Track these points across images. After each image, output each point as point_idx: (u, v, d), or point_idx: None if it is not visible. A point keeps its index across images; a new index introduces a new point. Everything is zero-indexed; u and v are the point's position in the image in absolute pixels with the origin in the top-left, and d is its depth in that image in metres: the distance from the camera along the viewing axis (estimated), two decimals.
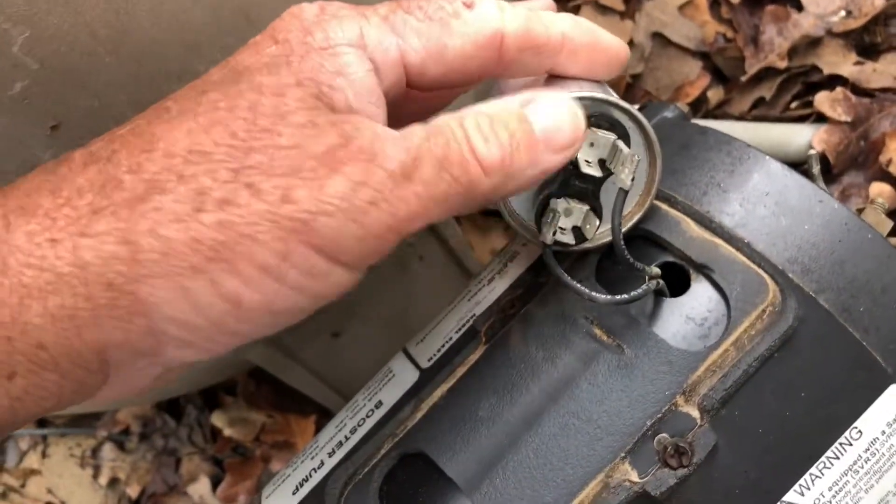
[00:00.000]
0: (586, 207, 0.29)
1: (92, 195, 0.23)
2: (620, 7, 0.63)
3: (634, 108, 0.29)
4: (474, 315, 0.33)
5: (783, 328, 0.28)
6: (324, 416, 0.67)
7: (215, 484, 0.69)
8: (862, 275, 0.29)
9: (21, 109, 0.30)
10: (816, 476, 0.28)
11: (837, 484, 0.28)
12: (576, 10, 0.64)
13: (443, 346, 0.34)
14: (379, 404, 0.34)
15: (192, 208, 0.22)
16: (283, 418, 0.69)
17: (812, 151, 0.52)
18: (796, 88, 0.59)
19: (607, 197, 0.30)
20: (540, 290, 0.32)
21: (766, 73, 0.59)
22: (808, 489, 0.27)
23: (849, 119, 0.55)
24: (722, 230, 0.30)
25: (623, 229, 0.29)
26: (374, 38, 0.25)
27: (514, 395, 0.29)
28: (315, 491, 0.33)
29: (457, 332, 0.34)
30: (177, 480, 0.71)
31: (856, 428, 0.28)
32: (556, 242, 0.30)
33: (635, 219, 0.30)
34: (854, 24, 0.57)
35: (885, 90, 0.56)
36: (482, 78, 0.28)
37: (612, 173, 0.28)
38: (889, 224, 0.35)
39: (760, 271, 0.29)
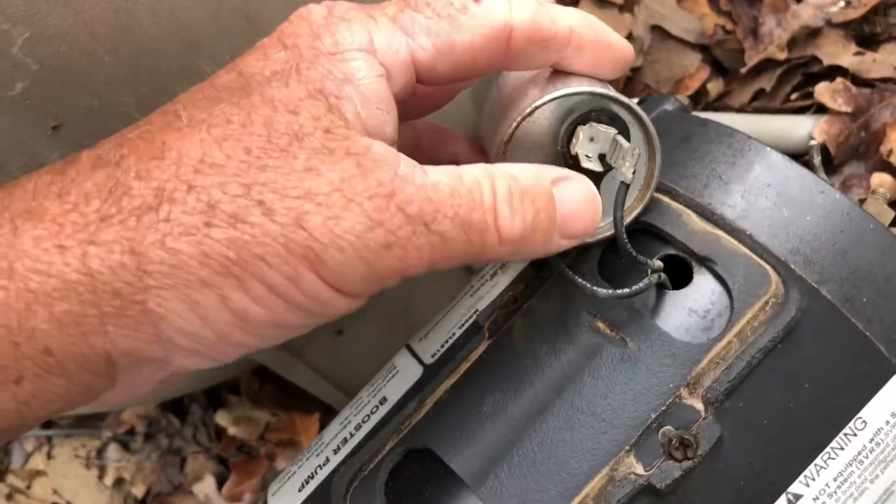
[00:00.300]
0: None
1: (99, 201, 0.22)
2: (619, 0, 0.63)
3: (633, 103, 0.29)
4: (477, 310, 0.33)
5: (786, 319, 0.28)
6: (328, 413, 0.67)
7: (220, 483, 0.69)
8: (864, 265, 0.29)
9: (22, 110, 0.30)
10: (821, 467, 0.28)
11: (842, 474, 0.28)
12: (574, 4, 0.63)
13: (446, 341, 0.34)
14: (383, 401, 0.34)
15: (202, 221, 0.22)
16: (288, 416, 0.69)
17: (813, 142, 0.52)
18: (796, 80, 0.59)
19: (607, 192, 0.30)
20: (542, 284, 0.32)
21: (766, 65, 0.59)
22: (813, 480, 0.27)
23: (849, 110, 0.55)
24: (724, 222, 0.30)
25: (624, 223, 0.29)
26: (383, 42, 0.25)
27: (518, 390, 0.29)
28: (321, 487, 0.33)
29: (460, 327, 0.34)
30: (182, 480, 0.71)
31: (860, 418, 0.28)
32: None
33: (635, 213, 0.30)
34: (853, 14, 0.57)
35: (885, 80, 0.56)
36: (488, 70, 0.28)
37: (612, 168, 0.29)
38: (891, 214, 0.35)
39: (763, 263, 0.29)
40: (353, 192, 0.23)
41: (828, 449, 0.28)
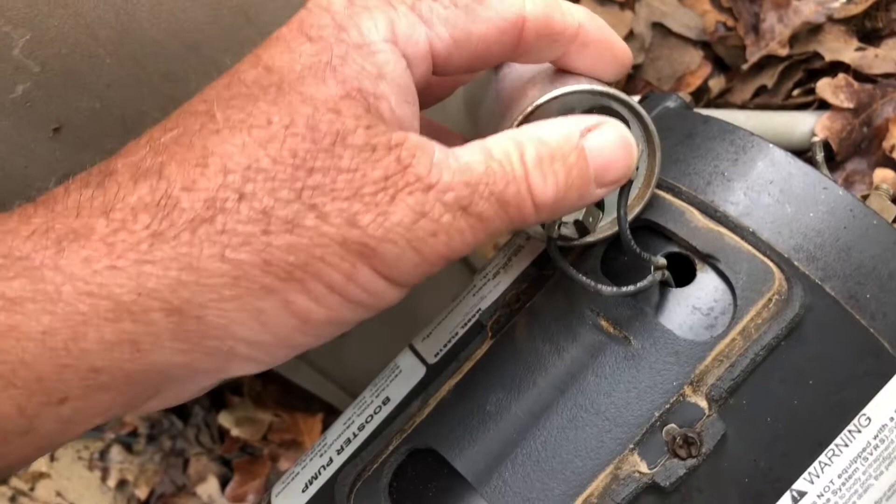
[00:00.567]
0: None
1: (149, 217, 0.22)
2: None
3: (634, 100, 0.29)
4: (480, 309, 0.33)
5: (790, 316, 0.28)
6: (331, 413, 0.67)
7: (224, 484, 0.70)
8: (868, 261, 0.29)
9: (23, 112, 0.30)
10: (826, 464, 0.28)
11: (847, 471, 0.28)
12: (575, 1, 0.63)
13: (449, 341, 0.34)
14: (386, 401, 0.34)
15: (259, 230, 0.22)
16: (291, 417, 0.69)
17: (815, 139, 0.52)
18: (798, 76, 0.59)
19: None
20: (545, 283, 0.32)
21: (768, 61, 0.59)
22: (818, 477, 0.27)
23: (851, 105, 0.55)
24: (727, 219, 0.30)
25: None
26: (404, 31, 0.25)
27: (521, 389, 0.29)
28: (325, 488, 0.33)
29: (463, 326, 0.34)
30: (185, 481, 0.71)
31: (864, 415, 0.28)
32: (560, 236, 0.30)
33: (636, 210, 0.30)
34: (855, 9, 0.57)
35: (887, 76, 0.56)
36: (498, 61, 0.28)
37: None
38: (894, 210, 0.35)
39: (766, 260, 0.29)
40: (396, 189, 0.23)
41: (832, 446, 0.28)
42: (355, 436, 0.33)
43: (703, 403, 0.27)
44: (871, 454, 0.28)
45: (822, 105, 0.57)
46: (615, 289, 0.28)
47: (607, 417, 0.28)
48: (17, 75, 0.29)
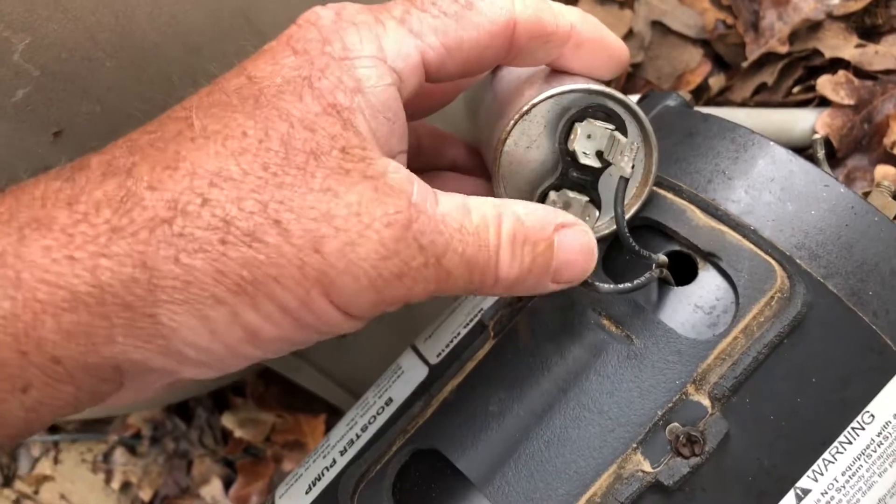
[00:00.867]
0: (585, 199, 0.30)
1: (110, 212, 0.22)
2: None
3: (630, 99, 0.29)
4: (482, 310, 0.33)
5: (792, 314, 0.28)
6: (333, 414, 0.67)
7: (227, 485, 0.70)
8: (870, 258, 0.29)
9: (24, 116, 0.30)
10: (829, 461, 0.28)
11: (850, 469, 0.28)
12: (574, 1, 0.63)
13: (451, 341, 0.34)
14: (389, 401, 0.34)
15: (217, 238, 0.22)
16: (293, 418, 0.69)
17: (816, 136, 0.52)
18: (798, 73, 0.59)
19: (606, 190, 0.30)
20: None
21: (768, 59, 0.59)
22: (822, 475, 0.27)
23: (852, 102, 0.55)
24: (728, 218, 0.30)
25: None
26: (393, 47, 0.25)
27: (524, 389, 0.29)
28: (328, 489, 0.33)
29: (465, 327, 0.34)
30: (189, 483, 0.71)
31: (868, 412, 0.28)
32: None
33: (634, 209, 0.30)
34: (855, 6, 0.57)
35: (887, 72, 0.56)
36: (492, 65, 0.28)
37: (609, 164, 0.29)
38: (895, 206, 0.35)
39: (768, 258, 0.29)
40: (371, 218, 0.23)
41: (836, 443, 0.28)
42: (358, 437, 0.33)
43: (706, 402, 0.27)
44: (875, 451, 0.28)
45: (823, 102, 0.56)
46: (613, 286, 0.28)
47: (610, 417, 0.28)
48: (17, 80, 0.29)
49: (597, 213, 0.30)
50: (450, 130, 0.36)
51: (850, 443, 0.28)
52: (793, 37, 0.58)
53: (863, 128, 0.55)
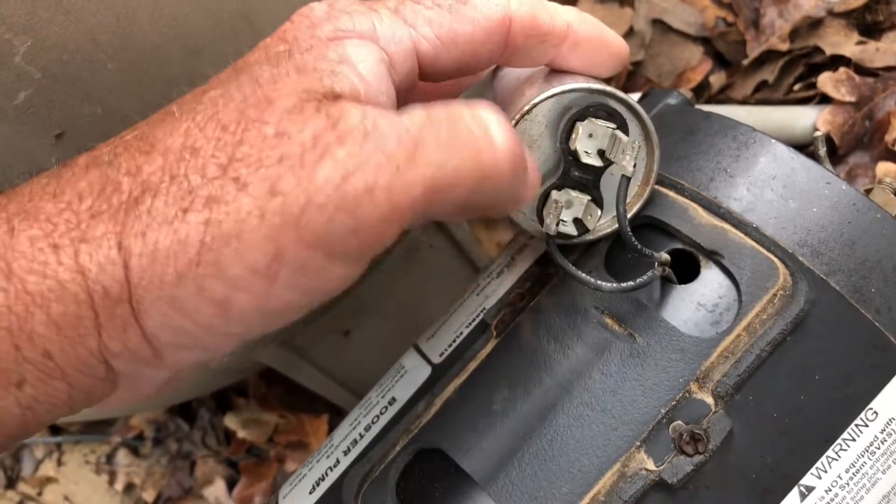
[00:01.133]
0: (587, 198, 0.30)
1: (92, 199, 0.22)
2: None
3: (630, 98, 0.29)
4: (484, 309, 0.33)
5: (795, 311, 0.28)
6: (336, 414, 0.68)
7: (231, 486, 0.70)
8: (872, 255, 0.29)
9: (25, 119, 0.30)
10: (833, 459, 0.28)
11: (854, 466, 0.28)
12: (573, 2, 0.63)
13: (454, 340, 0.34)
14: (392, 401, 0.34)
15: (179, 209, 0.21)
16: (296, 418, 0.69)
17: (817, 133, 0.52)
18: (799, 70, 0.59)
19: (607, 189, 0.30)
20: (549, 281, 0.32)
21: (768, 56, 0.59)
22: (825, 472, 0.27)
23: (853, 99, 0.55)
24: (730, 216, 0.30)
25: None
26: (387, 31, 0.25)
27: (527, 388, 0.29)
28: (332, 489, 0.33)
29: (467, 326, 0.34)
30: (192, 484, 0.71)
31: (871, 409, 0.28)
32: (559, 234, 0.30)
33: (636, 207, 0.30)
34: (855, 3, 0.57)
35: (888, 69, 0.56)
36: (488, 65, 0.28)
37: (611, 163, 0.29)
38: None
39: (770, 255, 0.29)
40: (325, 145, 0.21)
41: (839, 440, 0.28)
42: (361, 436, 0.33)
43: (710, 400, 0.27)
44: (879, 448, 0.28)
45: (824, 99, 0.56)
46: (615, 284, 0.28)
47: (613, 415, 0.28)
48: (18, 82, 0.29)
49: (599, 213, 0.30)
50: None
51: (854, 440, 0.28)
52: (793, 34, 0.58)
53: (864, 125, 0.55)
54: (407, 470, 0.31)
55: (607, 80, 0.30)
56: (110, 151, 0.23)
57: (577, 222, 0.30)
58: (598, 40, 0.28)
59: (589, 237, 0.30)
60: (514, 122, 0.28)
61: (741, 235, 0.29)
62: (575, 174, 0.29)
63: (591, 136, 0.28)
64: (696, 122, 0.33)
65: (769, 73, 0.59)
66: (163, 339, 0.23)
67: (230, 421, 0.70)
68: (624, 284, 0.28)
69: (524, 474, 0.28)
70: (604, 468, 0.27)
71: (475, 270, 0.55)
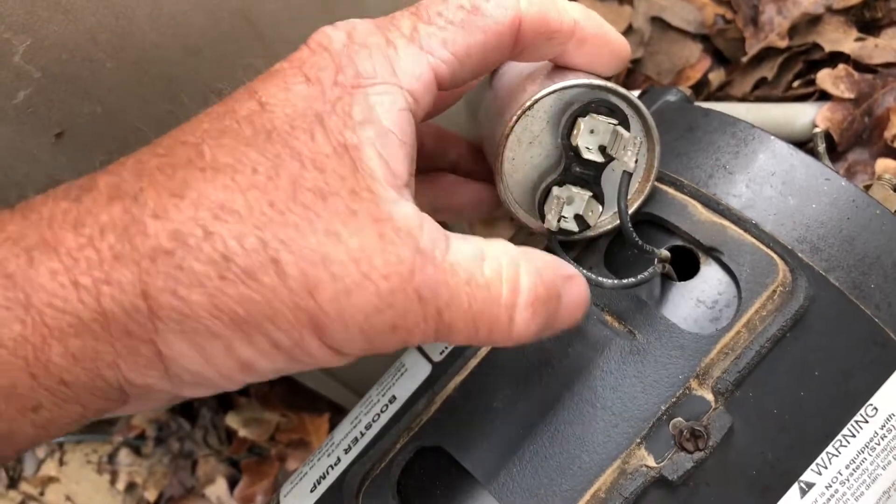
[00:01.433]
0: (588, 194, 0.30)
1: (115, 237, 0.22)
2: None
3: (632, 94, 0.29)
4: None
5: (794, 308, 0.28)
6: (337, 413, 0.68)
7: (232, 485, 0.70)
8: (872, 251, 0.29)
9: (25, 118, 0.30)
10: (833, 454, 0.28)
11: (854, 462, 0.28)
12: None
13: None
14: (393, 399, 0.34)
15: (215, 273, 0.22)
16: (297, 417, 0.69)
17: (816, 130, 0.52)
18: (798, 67, 0.59)
19: (608, 185, 0.30)
20: None
21: (767, 53, 0.59)
22: (826, 468, 0.27)
23: (852, 96, 0.55)
24: (729, 212, 0.30)
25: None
26: (406, 68, 0.25)
27: (527, 385, 0.29)
28: (333, 487, 0.33)
29: None
30: (194, 483, 0.71)
31: (871, 405, 0.28)
32: (560, 230, 0.30)
33: (636, 204, 0.30)
34: None
35: (887, 65, 0.56)
36: (498, 63, 0.28)
37: (612, 159, 0.29)
38: None
39: (770, 252, 0.29)
40: (370, 266, 0.22)
41: (839, 436, 0.28)
42: (362, 435, 0.33)
43: (710, 396, 0.27)
44: (879, 444, 0.28)
45: (823, 96, 0.56)
46: (615, 281, 0.28)
47: (614, 412, 0.28)
48: (18, 81, 0.29)
49: (600, 209, 0.30)
50: (451, 128, 0.36)
51: (854, 436, 0.28)
52: (792, 31, 0.58)
53: (863, 121, 0.55)
54: (408, 468, 0.31)
55: (608, 78, 0.30)
56: (134, 182, 0.23)
57: (579, 218, 0.30)
58: (602, 38, 0.28)
59: (590, 233, 0.31)
60: (515, 118, 0.28)
61: (740, 232, 0.29)
62: (576, 170, 0.29)
63: (592, 132, 0.28)
64: (695, 120, 0.33)
65: (768, 70, 0.59)
66: (183, 379, 0.23)
67: (232, 420, 0.70)
68: (624, 281, 0.28)
69: (525, 471, 0.28)
70: (604, 465, 0.27)
71: None
